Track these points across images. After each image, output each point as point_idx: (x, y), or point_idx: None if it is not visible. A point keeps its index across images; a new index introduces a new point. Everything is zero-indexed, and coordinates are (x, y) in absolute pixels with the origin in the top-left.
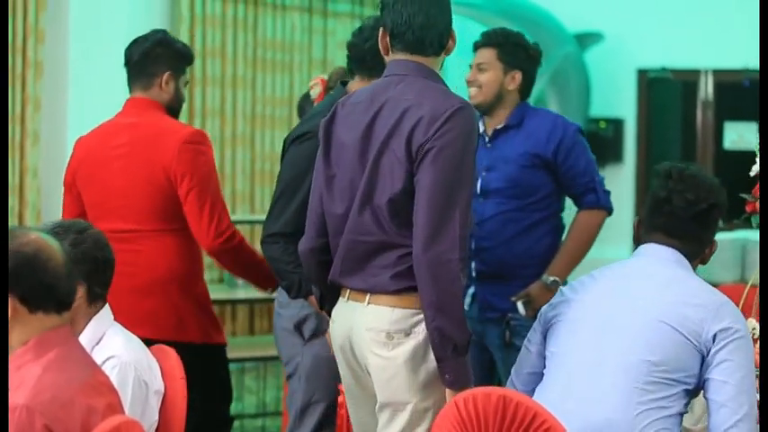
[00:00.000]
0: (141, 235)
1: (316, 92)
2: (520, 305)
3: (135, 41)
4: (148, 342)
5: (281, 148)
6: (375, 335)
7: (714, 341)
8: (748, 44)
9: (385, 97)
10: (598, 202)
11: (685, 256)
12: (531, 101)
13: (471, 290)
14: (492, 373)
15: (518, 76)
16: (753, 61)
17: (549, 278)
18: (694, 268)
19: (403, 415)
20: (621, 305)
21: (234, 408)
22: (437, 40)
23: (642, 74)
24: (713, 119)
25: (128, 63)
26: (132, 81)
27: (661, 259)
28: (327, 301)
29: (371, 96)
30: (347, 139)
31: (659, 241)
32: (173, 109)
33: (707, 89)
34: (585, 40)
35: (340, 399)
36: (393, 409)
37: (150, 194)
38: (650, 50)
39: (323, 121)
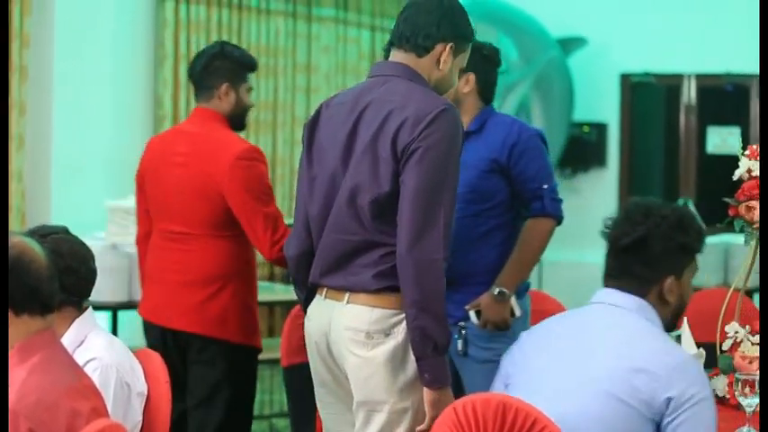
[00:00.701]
0: (192, 237)
1: None
2: (472, 314)
3: (196, 55)
4: (190, 337)
5: (265, 151)
6: (354, 334)
7: (667, 408)
8: (731, 49)
9: (369, 98)
10: (543, 210)
11: (642, 297)
12: (515, 106)
13: None
14: (457, 380)
15: (471, 78)
16: (735, 66)
17: (495, 289)
18: (662, 311)
19: (380, 415)
20: (573, 374)
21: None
22: (413, 35)
23: (625, 78)
24: (696, 123)
25: (191, 76)
26: (195, 93)
27: (617, 309)
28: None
29: (356, 98)
30: (330, 140)
31: (611, 285)
32: (235, 117)
33: (690, 94)
34: (569, 44)
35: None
36: (370, 409)
37: (202, 204)
38: (633, 55)
39: (306, 121)
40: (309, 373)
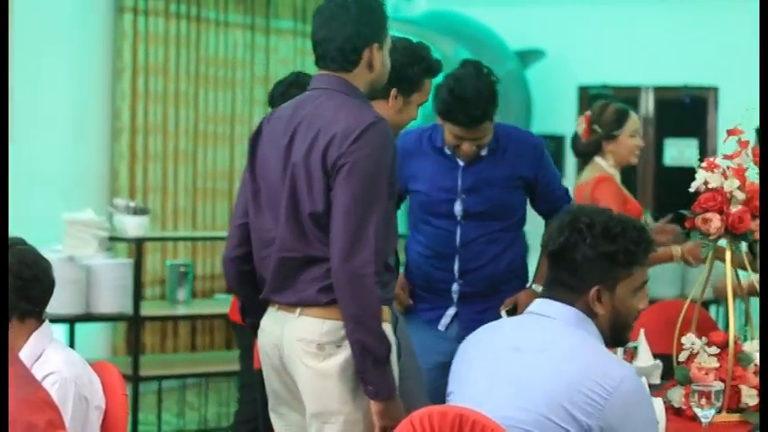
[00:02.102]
0: None
1: (581, 128)
2: (504, 314)
3: (276, 84)
4: None
5: (223, 164)
6: (306, 346)
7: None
8: (688, 61)
9: (304, 113)
10: None
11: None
12: None
13: (452, 311)
14: None
15: None
16: (693, 78)
17: (538, 287)
18: (596, 323)
19: (334, 427)
20: (510, 394)
21: (175, 424)
22: (338, 54)
23: (583, 91)
24: (653, 135)
25: (270, 103)
26: None
27: (552, 322)
28: (249, 314)
29: (292, 112)
30: (270, 155)
31: (546, 294)
32: None
33: (647, 106)
34: (527, 57)
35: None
36: (323, 420)
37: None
38: (591, 68)
39: (250, 135)
40: None
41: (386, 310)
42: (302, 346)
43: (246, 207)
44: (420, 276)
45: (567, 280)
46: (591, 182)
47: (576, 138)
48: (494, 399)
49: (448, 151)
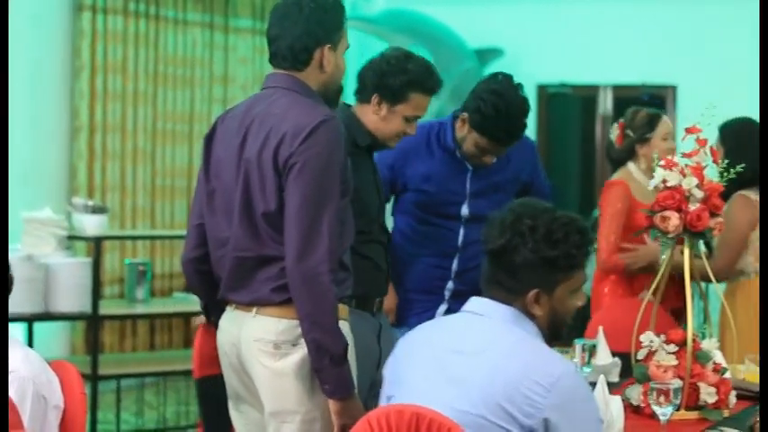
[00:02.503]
0: None
1: (614, 134)
2: None
3: None
4: None
5: (181, 163)
6: (263, 345)
7: (546, 429)
8: (647, 60)
9: (256, 112)
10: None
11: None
12: (432, 116)
13: (444, 307)
14: None
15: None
16: (651, 77)
17: None
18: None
19: (291, 426)
20: (449, 395)
21: (134, 423)
22: (289, 53)
23: (542, 89)
24: None
25: None
26: None
27: (488, 321)
28: (212, 313)
29: (245, 112)
30: (223, 154)
31: (483, 293)
32: None
33: (606, 104)
34: (486, 55)
35: None
36: (281, 420)
37: None
38: (550, 66)
39: (205, 135)
40: (223, 384)
41: (342, 308)
42: (259, 346)
43: (202, 208)
44: (412, 277)
45: (505, 281)
46: (606, 184)
47: (610, 145)
48: (435, 401)
49: (458, 154)
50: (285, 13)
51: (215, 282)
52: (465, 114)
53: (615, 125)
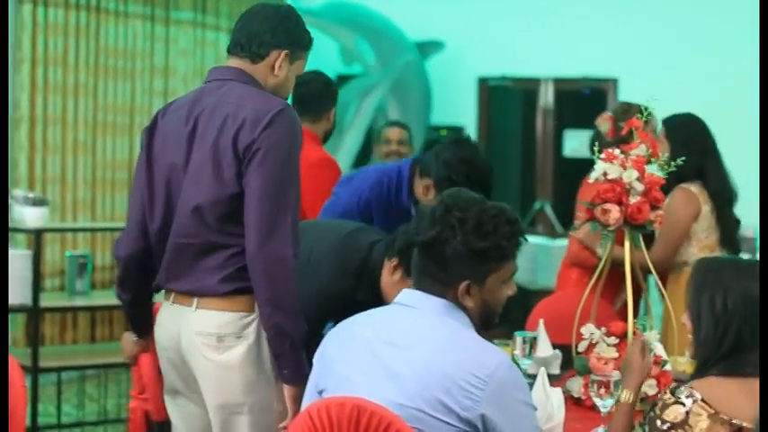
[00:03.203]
0: None
1: (605, 127)
2: None
3: (305, 82)
4: None
5: (122, 155)
6: (205, 339)
7: (483, 422)
8: (588, 53)
9: (206, 103)
10: None
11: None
12: (373, 109)
13: None
14: None
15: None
16: (592, 70)
17: None
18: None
19: (242, 417)
20: (382, 388)
21: (75, 415)
22: (247, 41)
23: (483, 82)
24: (553, 127)
25: (296, 98)
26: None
27: (420, 313)
28: (137, 316)
29: (192, 103)
30: (168, 145)
31: (414, 284)
32: (328, 134)
33: (547, 97)
34: (427, 48)
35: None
36: (230, 412)
37: None
38: (491, 59)
39: (144, 128)
40: None
41: None
42: (201, 340)
43: (143, 200)
44: None
45: (436, 273)
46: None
47: (599, 137)
48: (371, 395)
49: (414, 211)
50: (257, 13)
51: (151, 278)
52: (430, 181)
53: (604, 117)
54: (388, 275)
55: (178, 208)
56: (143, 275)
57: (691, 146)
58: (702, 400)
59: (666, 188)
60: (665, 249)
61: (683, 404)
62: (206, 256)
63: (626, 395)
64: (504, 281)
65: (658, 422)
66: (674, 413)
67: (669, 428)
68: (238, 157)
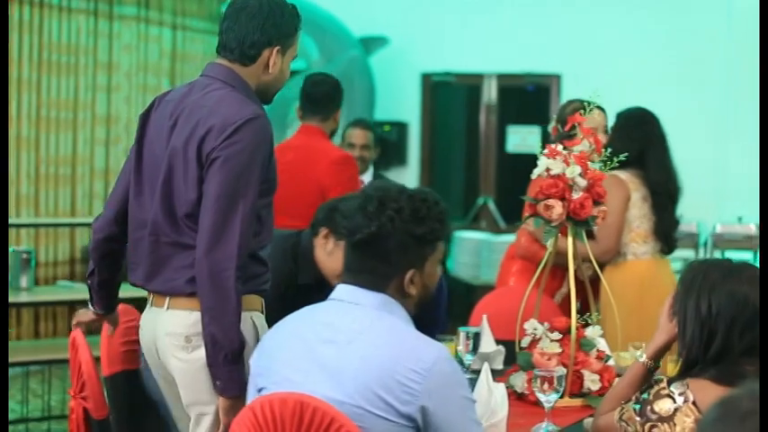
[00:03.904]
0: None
1: (550, 126)
2: None
3: (315, 83)
4: None
5: (65, 150)
6: (175, 339)
7: (423, 415)
8: (531, 49)
9: (189, 100)
10: None
11: (382, 292)
12: None
13: None
14: None
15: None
16: (535, 66)
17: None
18: (405, 303)
19: (208, 417)
20: (323, 386)
21: (19, 411)
22: (237, 46)
23: (426, 78)
24: (496, 122)
25: (308, 98)
26: (309, 112)
27: (358, 308)
28: (101, 297)
29: (180, 98)
30: (154, 135)
31: (350, 281)
32: (334, 132)
33: (490, 93)
34: (371, 44)
35: None
36: (198, 411)
37: (309, 200)
38: (434, 55)
39: (140, 113)
40: (132, 381)
41: (255, 300)
42: (171, 341)
43: (128, 185)
44: None
45: (378, 268)
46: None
47: (549, 134)
48: (312, 394)
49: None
50: (243, 8)
51: (118, 263)
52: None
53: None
54: (322, 250)
55: (154, 204)
56: (111, 259)
57: (630, 134)
58: (694, 403)
59: None
60: (608, 238)
61: (675, 400)
62: (176, 255)
63: (642, 355)
64: (437, 262)
65: (649, 408)
66: (664, 406)
67: (657, 420)
68: (201, 162)
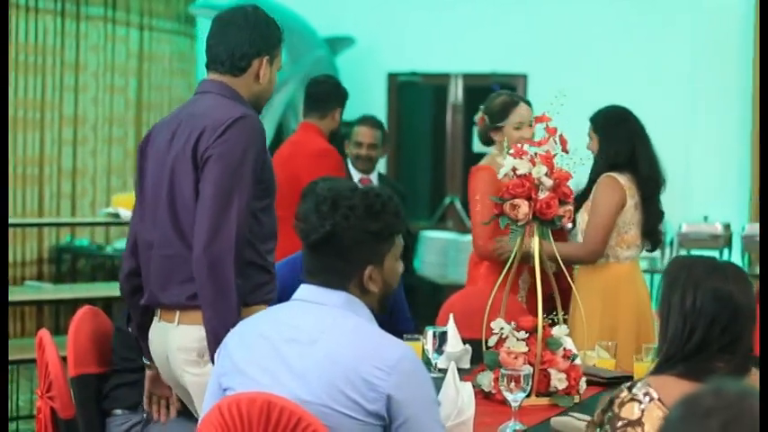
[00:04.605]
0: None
1: (477, 116)
2: None
3: (317, 82)
4: None
5: (32, 150)
6: (186, 354)
7: (388, 413)
8: (497, 49)
9: (183, 114)
10: None
11: (343, 290)
12: (283, 104)
13: None
14: None
15: None
16: (501, 66)
17: None
18: (367, 300)
19: None
20: (289, 386)
21: None
22: (228, 58)
23: (392, 78)
24: (462, 122)
25: (308, 96)
26: (308, 109)
27: (322, 308)
28: (147, 349)
29: (175, 115)
30: (153, 156)
31: (311, 281)
32: (335, 132)
33: (456, 93)
34: (337, 44)
35: None
36: None
37: (287, 193)
38: (400, 55)
39: (138, 145)
40: (96, 382)
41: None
42: (183, 356)
43: (136, 218)
44: None
45: (337, 267)
46: (472, 170)
47: (476, 125)
48: (279, 394)
49: None
50: (230, 22)
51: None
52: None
53: (481, 107)
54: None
55: (160, 219)
56: (140, 295)
57: (616, 134)
58: (659, 399)
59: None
60: (596, 238)
61: (640, 402)
62: (181, 268)
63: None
64: (397, 257)
65: (617, 421)
66: (630, 410)
67: (625, 425)
68: (196, 164)
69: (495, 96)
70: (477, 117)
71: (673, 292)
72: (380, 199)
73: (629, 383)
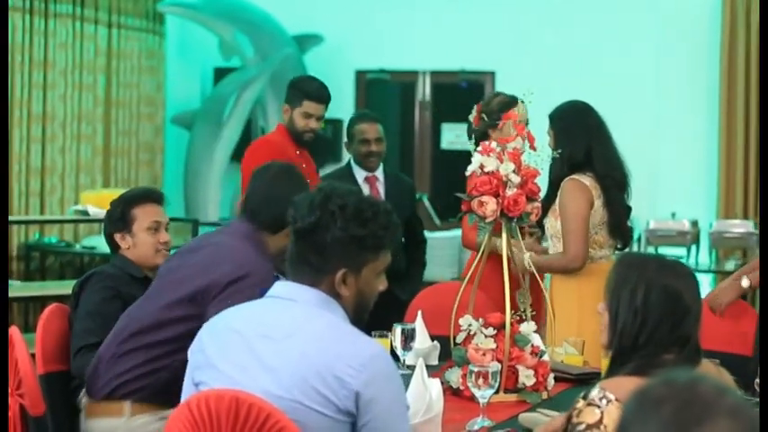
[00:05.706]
0: None
1: (473, 115)
2: None
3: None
4: None
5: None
6: None
7: (357, 409)
8: (465, 46)
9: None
10: None
11: (316, 287)
12: (252, 102)
13: None
14: None
15: None
16: (469, 63)
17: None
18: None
19: None
20: (262, 383)
21: None
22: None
23: (361, 75)
24: (431, 120)
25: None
26: None
27: (296, 305)
28: None
29: None
30: None
31: (289, 274)
32: (296, 128)
33: (424, 90)
34: (305, 42)
35: None
36: None
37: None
38: (368, 52)
39: None
40: (67, 380)
41: None
42: None
43: None
44: None
45: (313, 260)
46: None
47: (469, 124)
48: (248, 387)
49: None
50: (272, 184)
51: None
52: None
53: (476, 105)
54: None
55: None
56: None
57: (572, 132)
58: (617, 399)
59: (559, 182)
60: (576, 244)
61: (598, 406)
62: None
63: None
64: (378, 273)
65: (579, 427)
66: (589, 415)
67: (585, 428)
68: None
69: (493, 96)
70: (472, 116)
71: (622, 287)
72: (374, 208)
73: (581, 394)
